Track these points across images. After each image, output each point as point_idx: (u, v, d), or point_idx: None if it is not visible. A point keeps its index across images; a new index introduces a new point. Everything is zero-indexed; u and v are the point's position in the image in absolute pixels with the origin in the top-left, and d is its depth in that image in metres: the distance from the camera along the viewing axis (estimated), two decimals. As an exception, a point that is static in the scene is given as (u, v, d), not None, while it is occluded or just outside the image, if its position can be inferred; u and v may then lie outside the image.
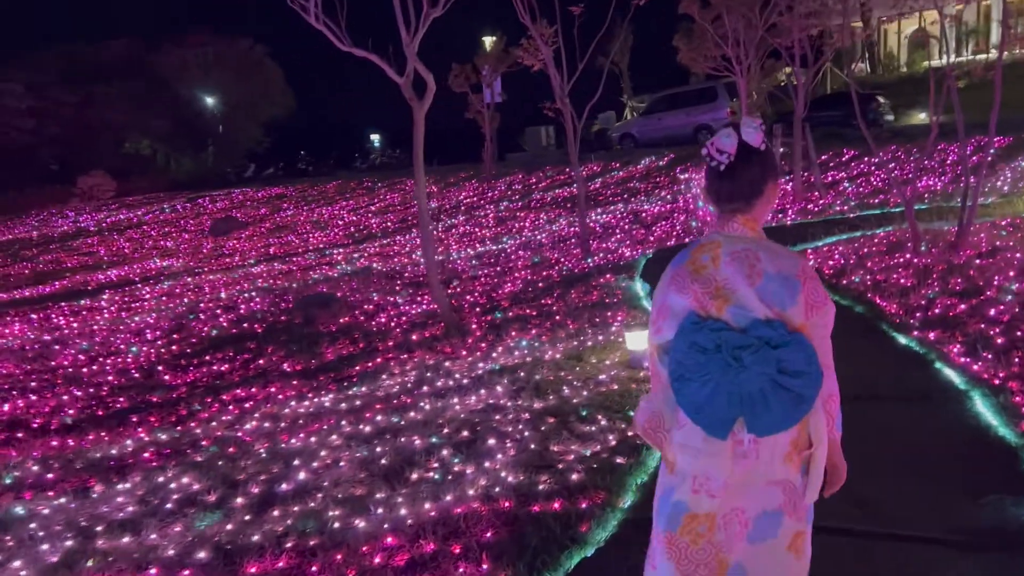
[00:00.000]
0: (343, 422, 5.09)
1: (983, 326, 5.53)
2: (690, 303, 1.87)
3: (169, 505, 3.91)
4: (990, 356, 4.96)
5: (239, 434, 5.14)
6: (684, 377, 1.84)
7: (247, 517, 3.72)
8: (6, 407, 6.46)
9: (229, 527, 3.63)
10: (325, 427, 5.04)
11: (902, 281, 7.00)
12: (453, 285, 10.11)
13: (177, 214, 26.01)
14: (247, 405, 5.92)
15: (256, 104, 43.02)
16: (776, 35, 13.47)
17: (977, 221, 8.26)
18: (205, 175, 38.98)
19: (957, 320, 5.79)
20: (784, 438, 1.85)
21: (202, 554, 3.36)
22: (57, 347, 8.75)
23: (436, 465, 4.16)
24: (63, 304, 12.16)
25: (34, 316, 11.23)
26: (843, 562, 2.96)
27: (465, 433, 4.60)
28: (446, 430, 4.69)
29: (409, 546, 3.27)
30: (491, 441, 4.39)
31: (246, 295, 10.75)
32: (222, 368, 7.34)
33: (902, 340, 5.73)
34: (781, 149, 14.38)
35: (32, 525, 3.80)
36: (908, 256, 7.81)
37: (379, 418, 5.08)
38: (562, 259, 11.07)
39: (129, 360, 7.96)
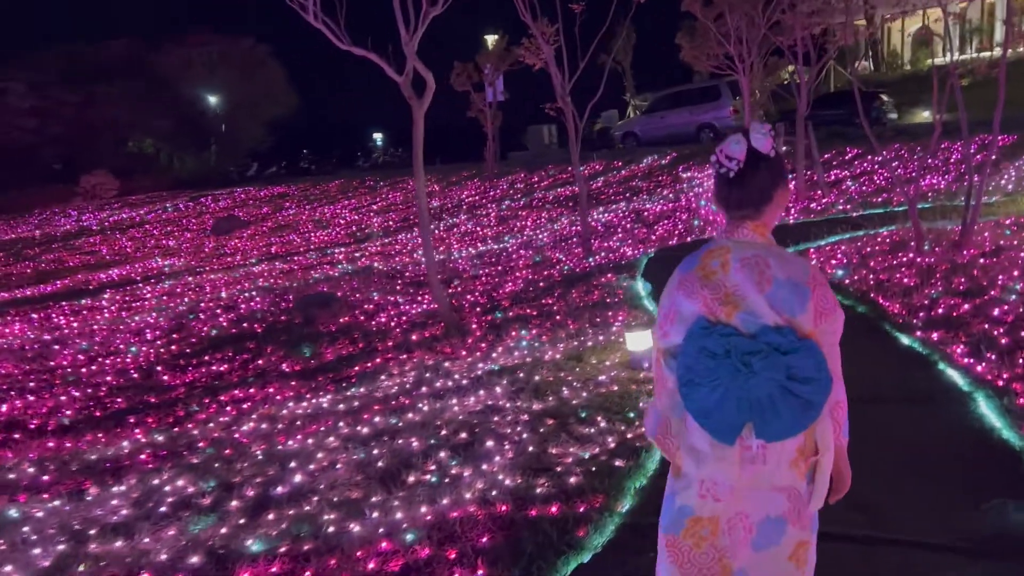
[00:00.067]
0: (340, 423, 5.05)
1: (987, 326, 5.48)
2: (699, 308, 1.87)
3: (163, 508, 3.88)
4: (994, 357, 4.91)
5: (236, 436, 5.10)
6: (693, 382, 1.84)
7: (241, 521, 3.69)
8: (3, 408, 6.44)
9: (223, 531, 3.59)
10: (322, 429, 5.00)
11: (905, 281, 6.94)
12: (454, 284, 10.07)
13: (179, 213, 26.01)
14: (245, 406, 5.89)
15: (258, 103, 42.98)
16: (779, 33, 13.41)
17: (981, 220, 8.20)
18: (208, 174, 38.98)
19: (960, 320, 5.74)
20: (791, 444, 1.85)
21: (195, 559, 3.32)
22: (56, 347, 8.72)
23: (433, 468, 4.12)
24: (64, 303, 12.15)
25: (35, 316, 11.22)
26: (845, 568, 2.91)
27: (463, 435, 4.56)
28: (444, 432, 4.65)
29: (404, 551, 3.23)
30: (489, 443, 4.35)
31: (246, 295, 10.72)
32: (221, 368, 7.30)
33: (905, 340, 5.67)
34: (784, 148, 14.32)
35: (25, 529, 3.77)
36: (911, 255, 7.75)
37: (377, 419, 5.04)
38: (563, 258, 11.03)
39: (128, 360, 7.93)
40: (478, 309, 8.45)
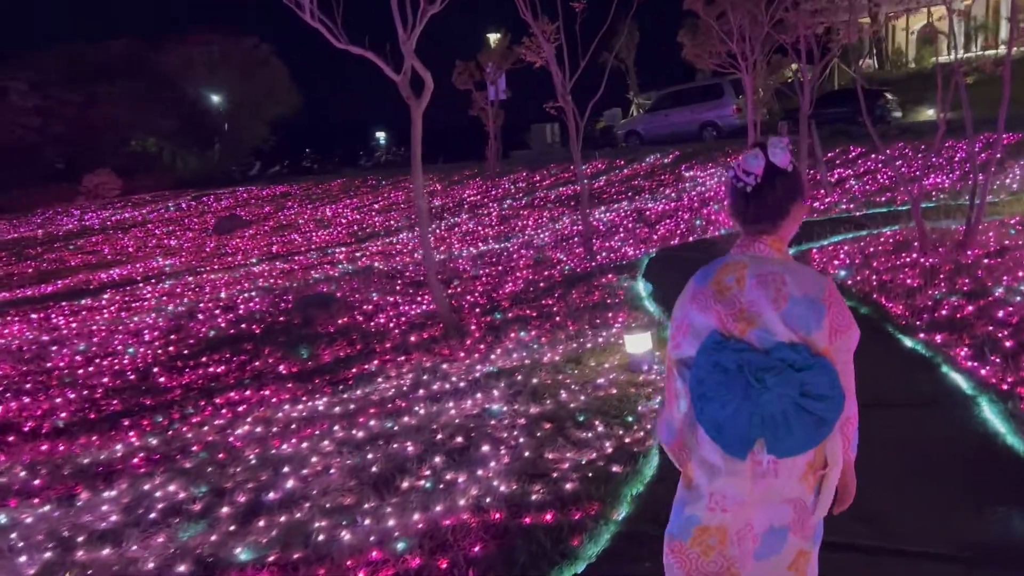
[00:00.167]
0: (336, 427, 4.99)
1: (991, 328, 5.40)
2: (712, 322, 1.87)
3: (153, 515, 3.82)
4: (998, 360, 4.83)
5: (230, 439, 5.04)
6: (705, 396, 1.84)
7: (231, 528, 3.63)
8: (-1, 410, 6.39)
9: (213, 538, 3.53)
10: (317, 432, 4.95)
11: (908, 281, 6.86)
12: (454, 285, 10.01)
13: (182, 212, 25.99)
14: (240, 409, 5.83)
15: (261, 102, 42.98)
16: (782, 31, 13.30)
17: (985, 219, 8.11)
18: (211, 173, 38.99)
19: (964, 322, 5.66)
20: (801, 459, 1.86)
21: (182, 568, 3.26)
22: (54, 348, 8.68)
23: (428, 473, 4.06)
24: (64, 304, 12.11)
25: (34, 316, 11.18)
26: (845, 579, 2.85)
27: (459, 439, 4.50)
28: (440, 436, 4.58)
29: (394, 561, 3.17)
30: (485, 448, 4.28)
31: (246, 295, 10.68)
32: (218, 370, 7.25)
33: (908, 342, 5.60)
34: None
35: (13, 535, 3.72)
36: (915, 256, 7.67)
37: (372, 423, 4.98)
38: (564, 258, 10.96)
39: (125, 361, 7.88)
40: (477, 310, 8.39)
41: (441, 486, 3.86)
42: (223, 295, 10.98)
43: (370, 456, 4.36)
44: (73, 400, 6.65)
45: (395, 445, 4.48)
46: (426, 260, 7.75)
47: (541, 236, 13.40)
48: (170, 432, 5.43)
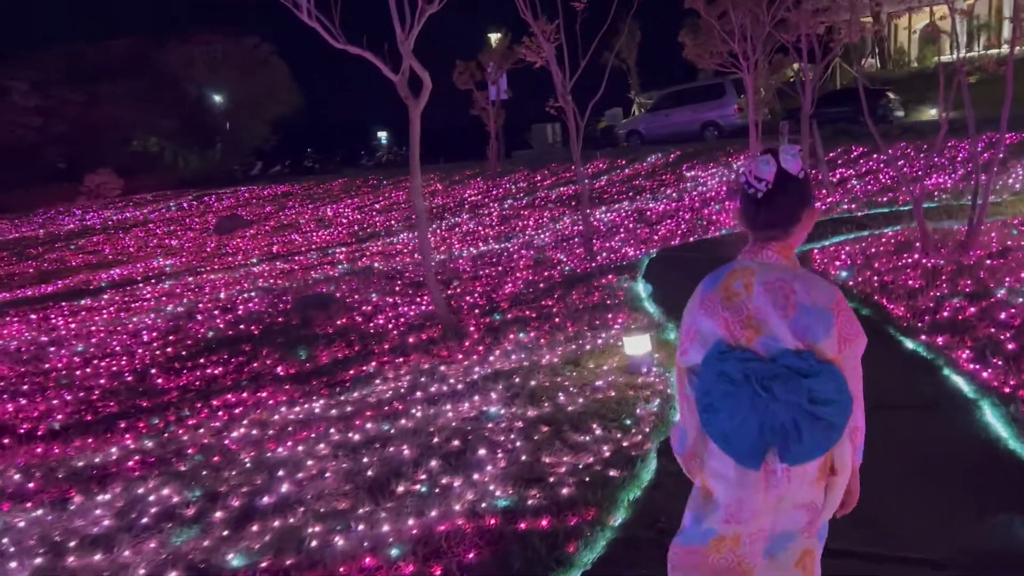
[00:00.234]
0: (332, 430, 4.96)
1: (993, 330, 5.35)
2: (719, 330, 1.88)
3: (145, 520, 3.78)
4: (1000, 363, 4.78)
5: (226, 442, 5.01)
6: (712, 407, 1.85)
7: (224, 533, 3.59)
8: (-5, 412, 6.36)
9: (205, 544, 3.50)
10: (313, 435, 4.91)
11: (910, 282, 6.81)
12: (453, 285, 9.97)
13: (183, 212, 25.98)
14: (237, 411, 5.79)
15: (262, 102, 42.97)
16: (784, 31, 13.25)
17: (988, 220, 8.06)
18: (212, 173, 38.99)
19: (966, 324, 5.61)
20: (812, 465, 1.88)
21: (173, 574, 3.23)
22: (52, 349, 8.66)
23: (423, 477, 4.02)
24: (63, 304, 12.09)
25: (33, 316, 11.16)
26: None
27: (456, 443, 4.46)
28: (436, 439, 4.55)
29: (387, 567, 3.13)
30: (481, 451, 4.24)
31: (245, 295, 10.65)
32: (216, 371, 7.22)
33: (909, 344, 5.55)
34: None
35: (5, 540, 3.69)
36: (916, 256, 7.62)
37: (369, 426, 4.94)
38: (564, 259, 10.92)
39: (123, 363, 7.86)
40: (477, 311, 8.35)
41: (437, 490, 3.82)
42: (222, 295, 10.95)
43: (366, 460, 4.32)
44: (70, 402, 6.62)
45: (391, 448, 4.44)
46: (424, 261, 7.72)
47: (542, 236, 13.36)
48: (166, 435, 5.40)
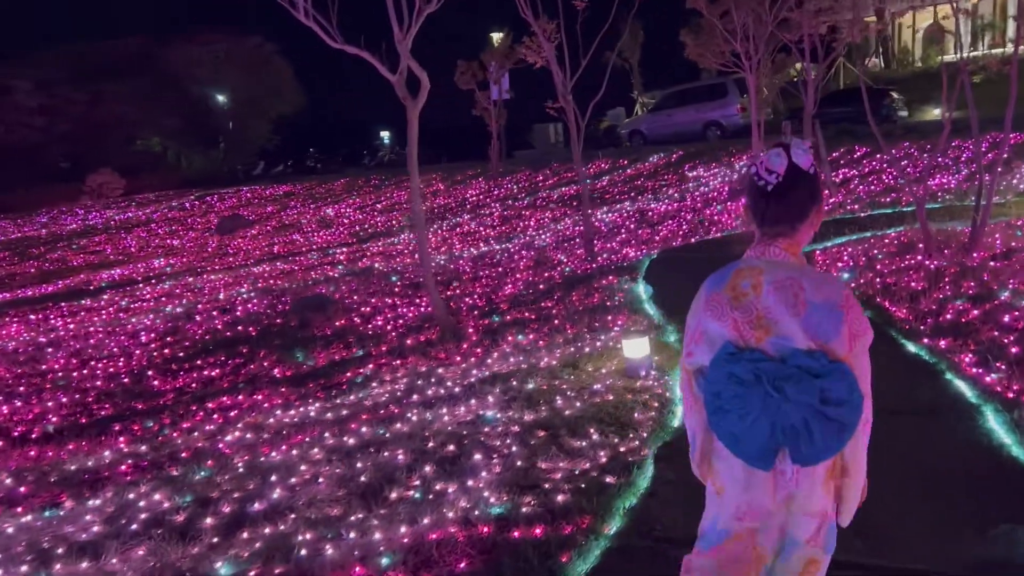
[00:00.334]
0: (327, 434, 4.90)
1: (996, 334, 5.28)
2: (727, 331, 1.85)
3: (135, 526, 3.73)
4: (1003, 367, 4.71)
5: (220, 446, 4.96)
6: (722, 409, 1.83)
7: (214, 540, 3.54)
8: (-11, 414, 6.33)
9: (194, 551, 3.44)
10: (308, 439, 4.85)
11: (913, 284, 6.73)
12: (453, 286, 9.91)
13: (185, 212, 25.97)
14: (232, 414, 5.75)
15: (265, 102, 42.95)
16: (786, 30, 13.18)
17: (992, 221, 7.97)
18: (215, 172, 38.98)
19: (969, 327, 5.54)
20: (820, 466, 1.86)
21: (160, 583, 3.18)
22: (50, 350, 8.63)
23: (417, 483, 3.96)
24: (63, 304, 12.07)
25: (33, 317, 11.14)
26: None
27: (451, 447, 4.40)
28: (431, 444, 4.49)
29: (377, 577, 3.08)
30: (476, 456, 4.18)
31: (244, 296, 10.61)
32: (212, 373, 7.17)
33: (911, 348, 5.48)
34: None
35: (-8, 547, 3.64)
36: (919, 258, 7.54)
37: (364, 430, 4.88)
38: (565, 259, 10.85)
39: (120, 364, 7.82)
40: (476, 312, 8.29)
41: (430, 496, 3.76)
42: (221, 296, 10.91)
43: (359, 465, 4.26)
44: (65, 404, 6.58)
45: (386, 453, 4.39)
46: (423, 263, 7.67)
47: (543, 237, 13.30)
48: (160, 438, 5.36)
